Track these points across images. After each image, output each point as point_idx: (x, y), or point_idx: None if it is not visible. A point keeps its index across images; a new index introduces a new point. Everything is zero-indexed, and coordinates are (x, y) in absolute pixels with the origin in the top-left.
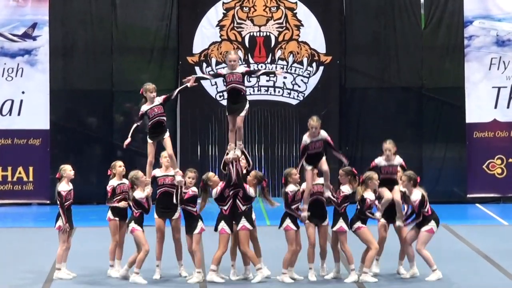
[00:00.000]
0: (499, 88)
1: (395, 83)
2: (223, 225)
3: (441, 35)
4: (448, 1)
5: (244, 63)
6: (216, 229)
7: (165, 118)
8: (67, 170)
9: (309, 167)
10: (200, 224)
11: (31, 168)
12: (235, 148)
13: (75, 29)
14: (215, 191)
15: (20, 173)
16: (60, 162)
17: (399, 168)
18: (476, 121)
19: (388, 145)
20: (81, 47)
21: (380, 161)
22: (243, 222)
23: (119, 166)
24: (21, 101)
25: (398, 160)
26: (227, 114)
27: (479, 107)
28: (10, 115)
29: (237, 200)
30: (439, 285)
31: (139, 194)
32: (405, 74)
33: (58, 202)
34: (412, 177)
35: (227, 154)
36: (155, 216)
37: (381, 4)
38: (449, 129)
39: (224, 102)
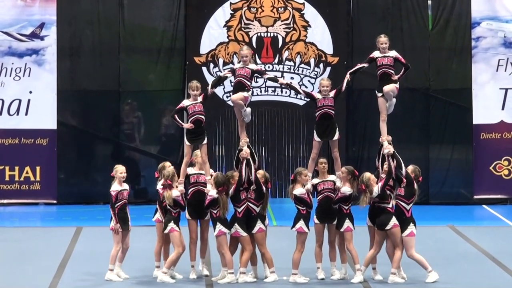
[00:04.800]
0: (506, 90)
1: (402, 84)
2: (236, 227)
3: (449, 37)
4: (456, 2)
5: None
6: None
7: (204, 117)
8: (118, 171)
9: (318, 139)
10: (218, 227)
11: (38, 168)
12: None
13: (83, 29)
14: (232, 190)
15: (27, 172)
16: (67, 162)
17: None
18: (483, 122)
19: (384, 38)
20: (89, 47)
21: (376, 53)
22: (259, 225)
23: (168, 166)
24: (29, 100)
25: (393, 52)
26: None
27: (486, 108)
28: (17, 114)
29: (250, 203)
30: (446, 286)
31: (174, 193)
32: (412, 75)
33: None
34: (417, 173)
35: (241, 149)
36: (187, 217)
37: (388, 5)
38: (456, 130)
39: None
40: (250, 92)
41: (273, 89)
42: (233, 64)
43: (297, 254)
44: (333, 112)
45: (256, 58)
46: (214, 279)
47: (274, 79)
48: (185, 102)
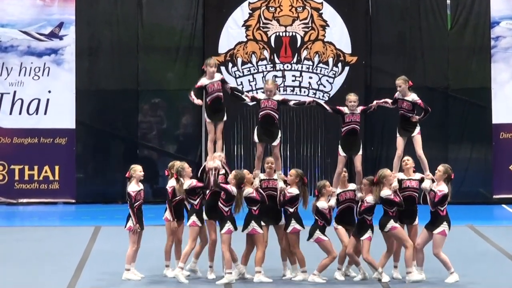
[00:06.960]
0: None
1: (421, 84)
2: (253, 225)
3: (468, 36)
4: (475, 1)
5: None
6: (243, 230)
7: (222, 94)
8: (137, 170)
9: (343, 154)
10: (228, 225)
11: (57, 167)
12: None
13: (101, 29)
14: (247, 191)
15: (46, 172)
16: (86, 161)
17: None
18: (503, 121)
19: (398, 81)
20: (107, 47)
21: (398, 94)
22: (293, 224)
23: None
24: (48, 100)
25: (412, 96)
26: (257, 141)
27: (505, 108)
28: (36, 114)
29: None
30: (465, 286)
31: (186, 183)
32: (431, 74)
33: (128, 203)
34: (448, 171)
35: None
36: (205, 217)
37: (407, 5)
38: (475, 130)
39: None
40: (280, 135)
41: (291, 88)
42: (251, 64)
43: (328, 260)
44: (359, 128)
45: (275, 58)
46: (219, 282)
47: (301, 103)
48: (204, 81)
